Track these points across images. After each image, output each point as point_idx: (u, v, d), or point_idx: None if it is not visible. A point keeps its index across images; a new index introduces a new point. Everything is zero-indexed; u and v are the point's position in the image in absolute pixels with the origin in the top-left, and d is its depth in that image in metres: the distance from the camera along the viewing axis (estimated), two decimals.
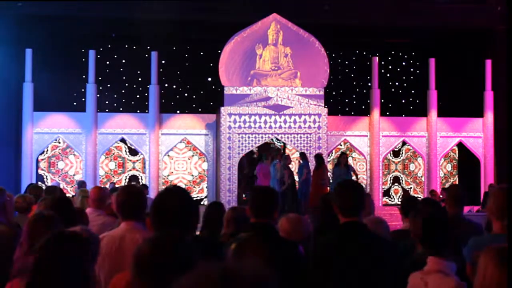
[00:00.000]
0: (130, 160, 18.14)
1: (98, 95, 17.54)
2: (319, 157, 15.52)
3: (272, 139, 17.67)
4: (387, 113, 18.94)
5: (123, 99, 19.17)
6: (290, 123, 16.69)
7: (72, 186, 17.31)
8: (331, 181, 16.03)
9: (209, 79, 19.31)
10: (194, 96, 19.73)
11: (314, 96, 16.85)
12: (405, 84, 20.62)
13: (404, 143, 18.66)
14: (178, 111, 18.65)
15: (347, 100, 20.18)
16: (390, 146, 18.35)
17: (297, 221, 4.80)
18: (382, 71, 19.51)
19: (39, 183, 15.54)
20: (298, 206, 15.12)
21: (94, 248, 3.10)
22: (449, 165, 19.44)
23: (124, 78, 19.20)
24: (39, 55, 17.10)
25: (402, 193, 18.96)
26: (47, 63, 17.33)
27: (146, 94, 17.89)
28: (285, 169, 15.50)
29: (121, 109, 18.78)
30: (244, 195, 17.25)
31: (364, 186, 17.98)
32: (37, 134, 16.97)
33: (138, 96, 19.09)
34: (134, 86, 19.17)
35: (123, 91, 19.20)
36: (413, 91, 20.28)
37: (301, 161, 15.94)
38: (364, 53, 19.98)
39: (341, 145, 18.33)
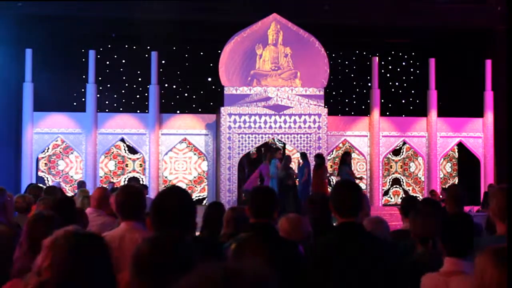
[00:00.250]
0: (130, 159, 18.14)
1: (98, 95, 17.53)
2: (319, 157, 15.51)
3: (273, 139, 17.67)
4: (387, 113, 18.94)
5: (123, 99, 19.17)
6: (290, 123, 16.68)
7: (70, 186, 17.32)
8: (335, 180, 16.07)
9: (209, 79, 19.31)
10: (194, 96, 19.73)
11: (314, 96, 16.84)
12: (405, 84, 20.61)
13: (404, 142, 18.66)
14: (178, 111, 18.64)
15: (347, 100, 20.18)
16: (390, 146, 18.34)
17: (297, 221, 4.80)
18: (382, 71, 19.50)
19: (40, 184, 15.53)
20: (298, 206, 15.11)
21: None
22: (449, 165, 19.44)
23: (124, 78, 19.20)
24: (39, 55, 17.09)
25: (402, 195, 18.95)
26: (47, 63, 17.32)
27: (146, 94, 17.88)
28: (289, 169, 15.53)
29: (121, 109, 18.78)
30: (243, 195, 17.23)
31: (365, 186, 18.00)
32: (37, 134, 16.96)
33: (138, 96, 19.09)
34: (134, 86, 19.18)
35: (123, 91, 19.20)
36: (413, 91, 20.28)
37: (301, 162, 15.93)
38: (364, 53, 19.98)
39: (341, 145, 18.32)
